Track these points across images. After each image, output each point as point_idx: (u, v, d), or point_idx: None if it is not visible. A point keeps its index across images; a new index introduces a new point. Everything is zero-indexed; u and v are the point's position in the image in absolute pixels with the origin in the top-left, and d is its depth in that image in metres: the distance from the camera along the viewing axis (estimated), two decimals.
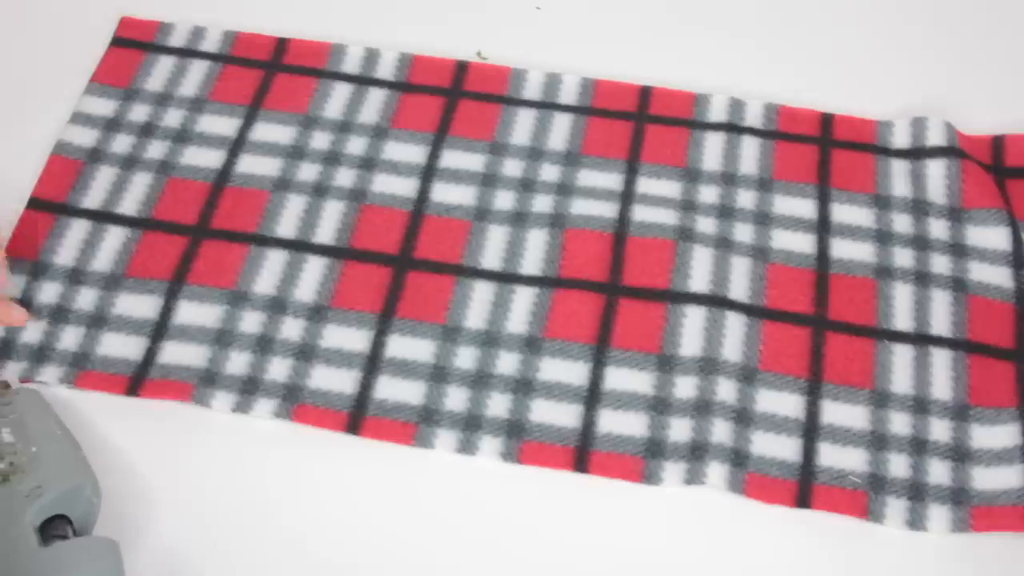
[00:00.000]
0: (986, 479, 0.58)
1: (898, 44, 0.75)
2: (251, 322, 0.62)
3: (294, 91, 0.71)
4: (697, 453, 0.58)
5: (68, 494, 0.51)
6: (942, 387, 0.60)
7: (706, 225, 0.66)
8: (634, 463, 0.58)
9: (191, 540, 0.54)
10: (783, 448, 0.59)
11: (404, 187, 0.67)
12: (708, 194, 0.67)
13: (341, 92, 0.71)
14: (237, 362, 0.60)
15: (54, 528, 0.50)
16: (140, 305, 0.62)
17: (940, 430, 0.59)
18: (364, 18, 0.75)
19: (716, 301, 0.63)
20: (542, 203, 0.67)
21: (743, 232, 0.65)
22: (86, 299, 0.63)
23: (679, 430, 0.59)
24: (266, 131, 0.69)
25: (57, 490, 0.50)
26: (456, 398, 0.60)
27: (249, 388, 0.60)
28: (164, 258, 0.64)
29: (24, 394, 0.56)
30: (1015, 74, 0.73)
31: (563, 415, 0.59)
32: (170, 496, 0.56)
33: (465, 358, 0.61)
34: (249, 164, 0.68)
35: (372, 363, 0.61)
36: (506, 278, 0.64)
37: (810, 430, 0.59)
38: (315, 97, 0.71)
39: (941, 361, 0.61)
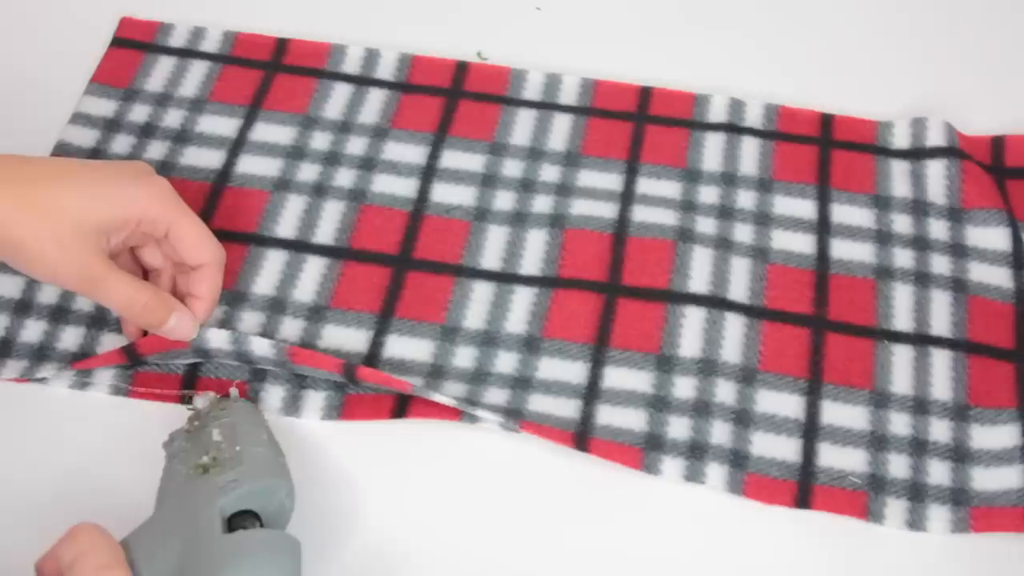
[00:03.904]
0: (986, 479, 0.57)
1: (898, 44, 0.75)
2: (250, 322, 0.62)
3: (294, 91, 0.71)
4: (697, 453, 0.58)
5: (261, 491, 0.52)
6: (942, 387, 0.60)
7: (706, 225, 0.66)
8: (633, 452, 0.58)
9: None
10: (783, 449, 0.59)
11: (404, 187, 0.67)
12: (708, 194, 0.67)
13: (341, 92, 0.71)
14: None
15: (242, 521, 0.51)
16: None
17: (940, 430, 0.59)
18: (364, 18, 0.75)
19: (716, 301, 0.63)
20: (542, 203, 0.67)
21: (743, 232, 0.65)
22: (86, 299, 0.62)
23: (678, 428, 0.59)
24: (266, 131, 0.69)
25: (251, 486, 0.51)
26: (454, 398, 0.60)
27: (256, 387, 0.60)
28: None
29: (241, 404, 0.57)
30: (1015, 74, 0.73)
31: (561, 409, 0.59)
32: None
33: (464, 358, 0.61)
34: (249, 164, 0.68)
35: (371, 362, 0.61)
36: (506, 278, 0.64)
37: (810, 431, 0.59)
38: (315, 97, 0.71)
39: (941, 361, 0.61)
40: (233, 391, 0.59)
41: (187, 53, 0.72)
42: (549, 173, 0.68)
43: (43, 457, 0.58)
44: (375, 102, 0.71)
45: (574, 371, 0.61)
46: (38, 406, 0.60)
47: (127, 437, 0.59)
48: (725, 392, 0.60)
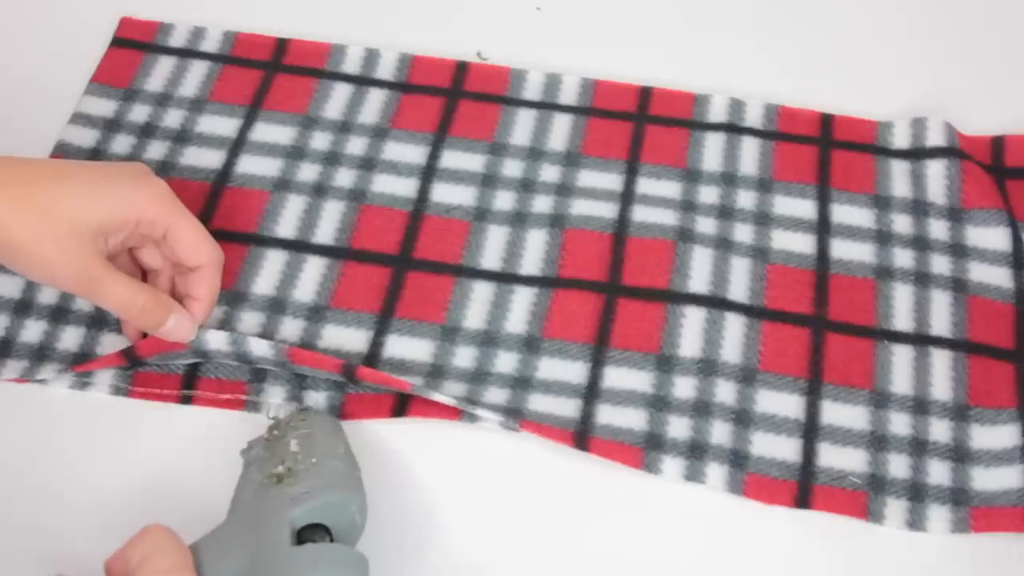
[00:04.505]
0: (986, 479, 0.57)
1: (898, 44, 0.75)
2: (250, 322, 0.62)
3: (294, 91, 0.71)
4: (697, 452, 0.58)
5: (333, 505, 0.51)
6: (942, 387, 0.60)
7: (706, 225, 0.66)
8: (633, 451, 0.58)
9: None
10: (783, 449, 0.59)
11: (404, 187, 0.67)
12: (708, 194, 0.67)
13: (341, 92, 0.71)
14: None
15: (312, 533, 0.50)
16: None
17: (940, 430, 0.59)
18: (364, 18, 0.75)
19: (716, 301, 0.63)
20: (542, 203, 0.67)
21: (743, 232, 0.65)
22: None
23: (678, 428, 0.59)
24: (266, 131, 0.69)
25: (323, 499, 0.51)
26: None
27: (257, 387, 0.60)
28: None
29: (321, 417, 0.57)
30: (1015, 74, 0.73)
31: (561, 409, 0.59)
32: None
33: (464, 358, 0.61)
34: (249, 164, 0.68)
35: (370, 362, 0.61)
36: (506, 278, 0.64)
37: (810, 431, 0.59)
38: (315, 97, 0.71)
39: (941, 361, 0.61)
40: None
41: (187, 53, 0.72)
42: (549, 173, 0.68)
43: (43, 457, 0.58)
44: (375, 102, 0.71)
45: (574, 371, 0.61)
46: (38, 406, 0.60)
47: (127, 437, 0.59)
48: (725, 392, 0.60)
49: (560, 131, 0.70)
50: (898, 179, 0.68)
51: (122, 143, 0.68)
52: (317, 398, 0.59)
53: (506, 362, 0.61)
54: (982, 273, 0.64)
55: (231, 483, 0.57)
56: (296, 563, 0.48)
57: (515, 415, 0.59)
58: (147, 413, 0.59)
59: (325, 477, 0.52)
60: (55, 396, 0.60)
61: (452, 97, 0.71)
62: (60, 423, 0.59)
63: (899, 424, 0.59)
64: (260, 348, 0.58)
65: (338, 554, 0.50)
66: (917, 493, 0.57)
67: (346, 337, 0.62)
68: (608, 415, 0.59)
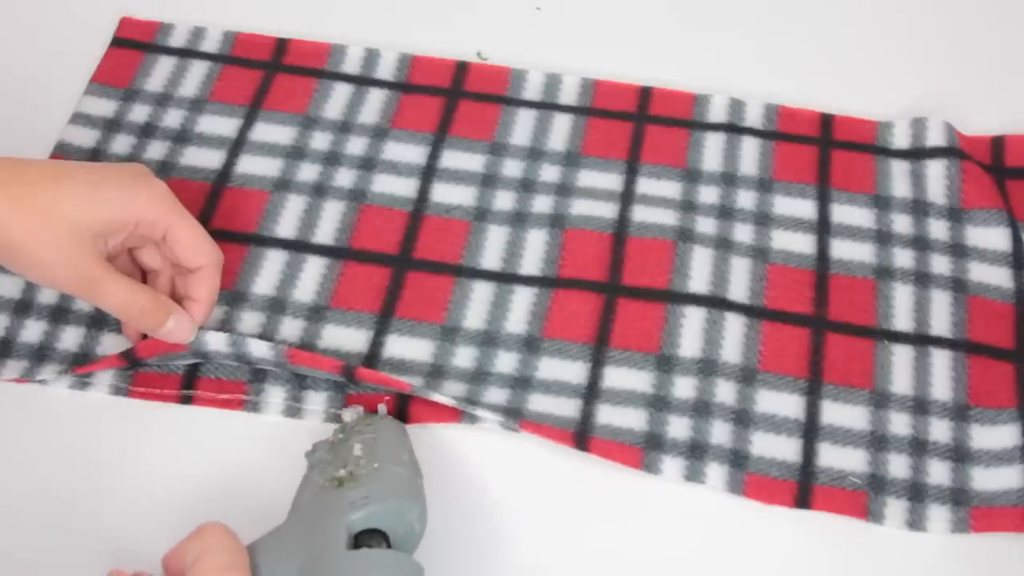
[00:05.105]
0: (986, 479, 0.57)
1: (898, 44, 0.75)
2: (250, 322, 0.62)
3: (294, 91, 0.71)
4: (697, 453, 0.58)
5: (392, 511, 0.51)
6: (942, 387, 0.60)
7: (706, 225, 0.66)
8: (633, 451, 0.58)
9: None
10: (783, 449, 0.59)
11: (404, 187, 0.67)
12: (708, 194, 0.67)
13: (341, 92, 0.71)
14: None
15: (369, 539, 0.50)
16: None
17: (940, 430, 0.59)
18: (364, 18, 0.75)
19: (716, 301, 0.63)
20: (542, 203, 0.67)
21: (743, 232, 0.65)
22: None
23: (678, 428, 0.59)
24: (266, 131, 0.69)
25: (382, 505, 0.50)
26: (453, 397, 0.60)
27: (257, 387, 0.60)
28: None
29: (387, 422, 0.57)
30: (1015, 74, 0.73)
31: (561, 409, 0.59)
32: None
33: (464, 358, 0.61)
34: (249, 164, 0.68)
35: (371, 362, 0.61)
36: (506, 278, 0.64)
37: (810, 431, 0.59)
38: (315, 97, 0.71)
39: (941, 361, 0.61)
40: (381, 408, 0.58)
41: (187, 53, 0.72)
42: (549, 173, 0.68)
43: (43, 457, 0.58)
44: (375, 102, 0.71)
45: (574, 371, 0.61)
46: (38, 406, 0.60)
47: (127, 437, 0.59)
48: (725, 392, 0.60)
49: (560, 131, 0.70)
50: (898, 179, 0.68)
51: (122, 143, 0.68)
52: (317, 399, 0.59)
53: (506, 362, 0.61)
54: (982, 273, 0.64)
55: (231, 483, 0.57)
56: (350, 568, 0.48)
57: (515, 415, 0.59)
58: (147, 413, 0.59)
59: (386, 483, 0.52)
60: (55, 396, 0.60)
61: (452, 97, 0.71)
62: (60, 423, 0.59)
63: (899, 424, 0.59)
64: (259, 349, 0.58)
65: (393, 561, 0.49)
66: (917, 493, 0.57)
67: (346, 337, 0.62)
68: (608, 415, 0.59)
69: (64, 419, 0.59)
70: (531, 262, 0.64)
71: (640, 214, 0.66)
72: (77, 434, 0.59)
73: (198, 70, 0.72)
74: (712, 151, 0.69)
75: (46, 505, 0.57)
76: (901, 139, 0.69)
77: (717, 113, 0.70)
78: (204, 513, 0.54)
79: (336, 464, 0.53)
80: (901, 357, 0.61)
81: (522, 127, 0.70)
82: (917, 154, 0.68)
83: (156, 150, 0.68)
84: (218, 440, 0.59)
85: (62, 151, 0.68)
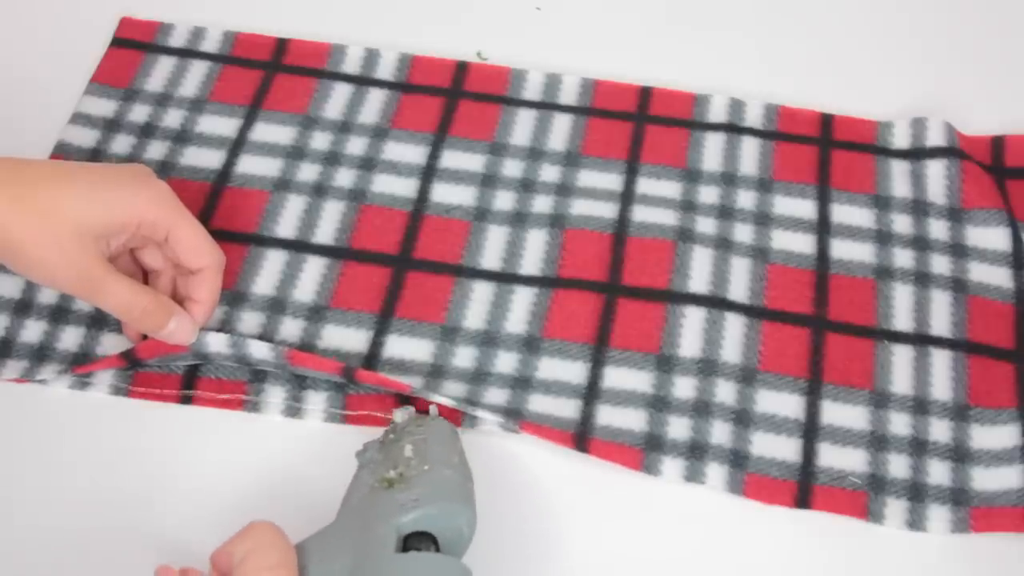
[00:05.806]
0: (986, 479, 0.58)
1: (898, 44, 0.75)
2: (250, 322, 0.62)
3: (294, 91, 0.71)
4: (697, 453, 0.58)
5: (441, 515, 0.50)
6: (942, 387, 0.60)
7: (706, 225, 0.66)
8: (633, 452, 0.58)
9: None
10: (783, 449, 0.59)
11: (404, 187, 0.67)
12: (708, 194, 0.67)
13: (341, 92, 0.71)
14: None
15: (417, 542, 0.50)
16: None
17: (940, 430, 0.59)
18: (364, 18, 0.75)
19: (716, 301, 0.63)
20: (542, 203, 0.67)
21: (743, 232, 0.65)
22: None
23: (678, 428, 0.59)
24: (266, 131, 0.69)
25: (431, 508, 0.50)
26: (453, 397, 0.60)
27: (257, 387, 0.60)
28: None
29: (439, 423, 0.56)
30: (1015, 74, 0.73)
31: (561, 409, 0.59)
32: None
33: (464, 358, 0.61)
34: (249, 164, 0.68)
35: (371, 362, 0.61)
36: (506, 278, 0.64)
37: (810, 431, 0.59)
38: (315, 97, 0.71)
39: (941, 361, 0.61)
40: (433, 409, 0.58)
41: (187, 53, 0.72)
42: (549, 173, 0.68)
43: (43, 458, 0.58)
44: (375, 102, 0.71)
45: (574, 371, 0.61)
46: (38, 406, 0.60)
47: (127, 437, 0.59)
48: (725, 392, 0.60)
49: (560, 131, 0.70)
50: (898, 179, 0.68)
51: (122, 143, 0.68)
52: (317, 399, 0.59)
53: (506, 362, 0.61)
54: (982, 273, 0.64)
55: (231, 483, 0.57)
56: (399, 571, 0.48)
57: (515, 416, 0.59)
58: (147, 413, 0.59)
59: (436, 485, 0.51)
60: (55, 396, 0.60)
61: (452, 97, 0.71)
62: (60, 423, 0.59)
63: (899, 424, 0.59)
64: (260, 351, 0.58)
65: (442, 565, 0.49)
66: (917, 493, 0.57)
67: (346, 337, 0.62)
68: (608, 415, 0.59)
69: (64, 419, 0.59)
70: (531, 262, 0.64)
71: (640, 214, 0.66)
72: (77, 434, 0.59)
73: (198, 70, 0.72)
74: (712, 151, 0.69)
75: (46, 505, 0.57)
76: (901, 139, 0.69)
77: (717, 113, 0.70)
78: (204, 513, 0.55)
79: (387, 464, 0.53)
80: (901, 357, 0.61)
81: (522, 127, 0.70)
82: (917, 154, 0.68)
83: (156, 150, 0.68)
84: (218, 440, 0.59)
85: (62, 151, 0.68)
